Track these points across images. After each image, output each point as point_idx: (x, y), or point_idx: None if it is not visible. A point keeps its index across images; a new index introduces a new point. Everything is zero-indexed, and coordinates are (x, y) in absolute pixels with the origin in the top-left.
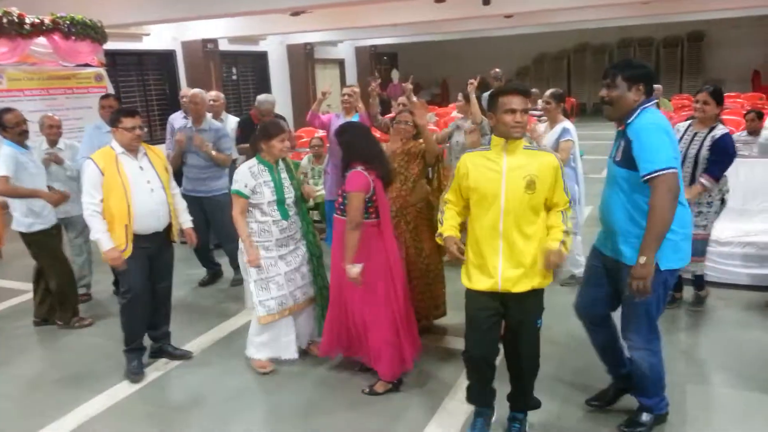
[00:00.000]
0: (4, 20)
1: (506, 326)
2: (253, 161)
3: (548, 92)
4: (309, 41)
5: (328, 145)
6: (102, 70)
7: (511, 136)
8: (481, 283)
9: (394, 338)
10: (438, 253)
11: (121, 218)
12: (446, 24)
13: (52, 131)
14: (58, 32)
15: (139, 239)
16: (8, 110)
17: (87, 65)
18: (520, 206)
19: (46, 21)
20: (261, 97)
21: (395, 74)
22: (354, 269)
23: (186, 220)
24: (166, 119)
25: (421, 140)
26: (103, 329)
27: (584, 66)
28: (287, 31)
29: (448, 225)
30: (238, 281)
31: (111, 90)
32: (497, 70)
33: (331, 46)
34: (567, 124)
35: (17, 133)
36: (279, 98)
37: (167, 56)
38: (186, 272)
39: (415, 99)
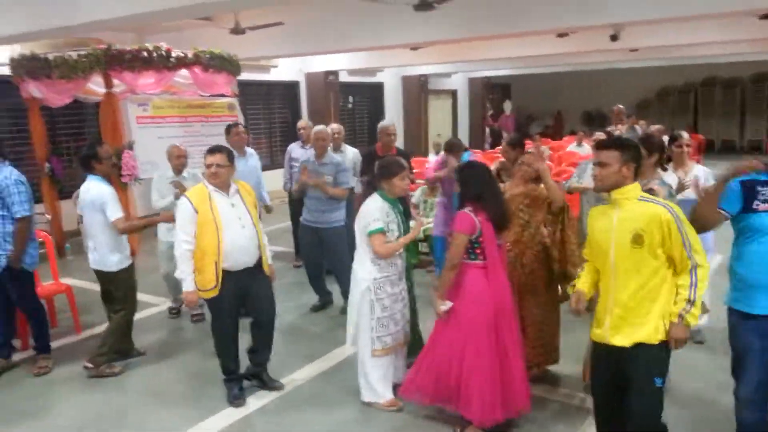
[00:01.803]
0: (154, 54)
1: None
2: (378, 199)
3: (686, 135)
4: (424, 73)
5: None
6: (234, 100)
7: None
8: (595, 333)
9: (492, 385)
10: (554, 299)
11: (211, 255)
12: (565, 57)
13: (179, 161)
14: (199, 65)
15: (229, 276)
16: (102, 143)
17: (221, 95)
18: (628, 260)
19: (189, 55)
20: (384, 122)
21: (507, 105)
22: (442, 306)
23: (269, 256)
24: (286, 147)
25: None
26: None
27: (713, 101)
28: (404, 63)
29: (582, 280)
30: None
31: (241, 118)
32: (620, 106)
33: (444, 77)
34: (702, 167)
35: (110, 166)
36: None
37: (292, 87)
38: (298, 297)
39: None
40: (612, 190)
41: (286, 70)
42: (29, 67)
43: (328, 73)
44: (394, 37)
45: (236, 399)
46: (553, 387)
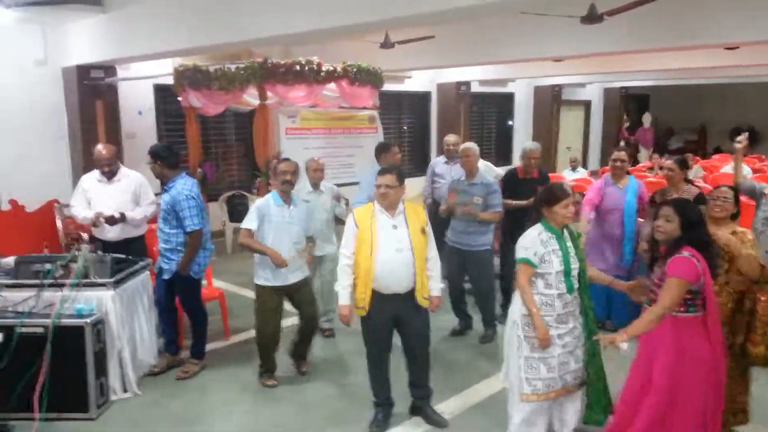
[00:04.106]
0: (306, 68)
1: None
2: (540, 227)
3: None
4: (557, 83)
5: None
6: (375, 113)
7: None
8: None
9: None
10: (744, 350)
11: (365, 273)
12: (727, 69)
13: (317, 174)
14: (346, 78)
15: (380, 298)
16: (284, 159)
17: (364, 108)
18: None
19: (338, 68)
20: (529, 145)
21: (647, 117)
22: (623, 345)
23: (435, 288)
24: (416, 156)
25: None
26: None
27: None
28: (539, 74)
29: None
30: (488, 338)
31: (381, 131)
32: None
33: (578, 88)
34: None
35: (281, 182)
36: (520, 138)
37: (423, 97)
38: (435, 317)
39: None
40: None
41: (418, 80)
42: (192, 78)
43: (459, 83)
44: (550, 49)
45: (377, 426)
46: None
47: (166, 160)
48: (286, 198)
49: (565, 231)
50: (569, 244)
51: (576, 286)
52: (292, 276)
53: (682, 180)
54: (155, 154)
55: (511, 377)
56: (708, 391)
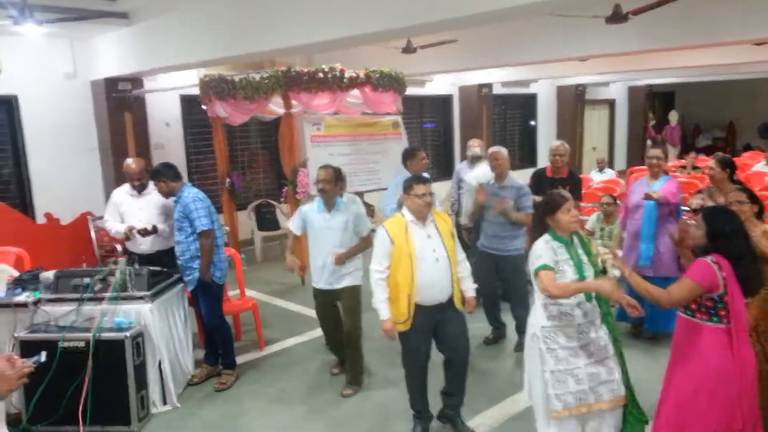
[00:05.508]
0: (329, 75)
1: None
2: (547, 236)
3: None
4: (581, 82)
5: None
6: (398, 118)
7: None
8: None
9: None
10: None
11: (405, 288)
12: (748, 64)
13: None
14: (369, 84)
15: (421, 310)
16: (322, 166)
17: (387, 113)
18: None
19: (361, 75)
20: (553, 142)
21: (674, 115)
22: (616, 271)
23: (469, 288)
24: (440, 160)
25: None
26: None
27: None
28: (562, 74)
29: None
30: (522, 346)
31: (405, 136)
32: None
33: (602, 87)
34: None
35: (318, 190)
36: (543, 140)
37: (445, 100)
38: (470, 327)
39: None
40: None
41: (440, 83)
42: (217, 88)
43: (481, 86)
44: (574, 49)
45: None
46: None
47: (166, 174)
48: (328, 204)
49: (575, 238)
50: (580, 251)
51: (593, 294)
52: (335, 282)
53: (725, 180)
54: (156, 174)
55: (534, 395)
56: (731, 403)
